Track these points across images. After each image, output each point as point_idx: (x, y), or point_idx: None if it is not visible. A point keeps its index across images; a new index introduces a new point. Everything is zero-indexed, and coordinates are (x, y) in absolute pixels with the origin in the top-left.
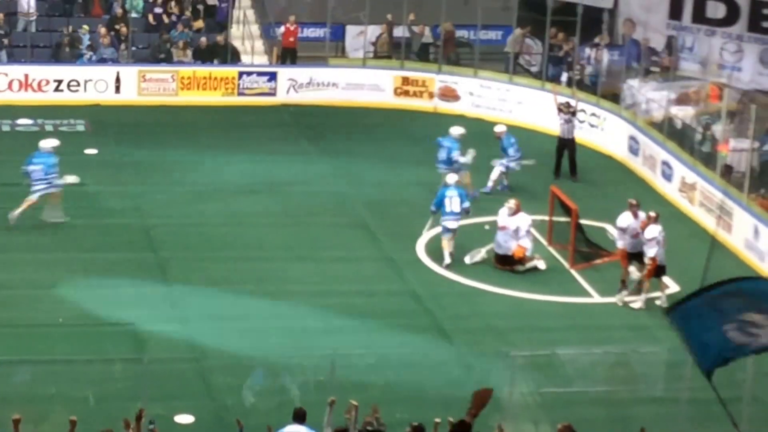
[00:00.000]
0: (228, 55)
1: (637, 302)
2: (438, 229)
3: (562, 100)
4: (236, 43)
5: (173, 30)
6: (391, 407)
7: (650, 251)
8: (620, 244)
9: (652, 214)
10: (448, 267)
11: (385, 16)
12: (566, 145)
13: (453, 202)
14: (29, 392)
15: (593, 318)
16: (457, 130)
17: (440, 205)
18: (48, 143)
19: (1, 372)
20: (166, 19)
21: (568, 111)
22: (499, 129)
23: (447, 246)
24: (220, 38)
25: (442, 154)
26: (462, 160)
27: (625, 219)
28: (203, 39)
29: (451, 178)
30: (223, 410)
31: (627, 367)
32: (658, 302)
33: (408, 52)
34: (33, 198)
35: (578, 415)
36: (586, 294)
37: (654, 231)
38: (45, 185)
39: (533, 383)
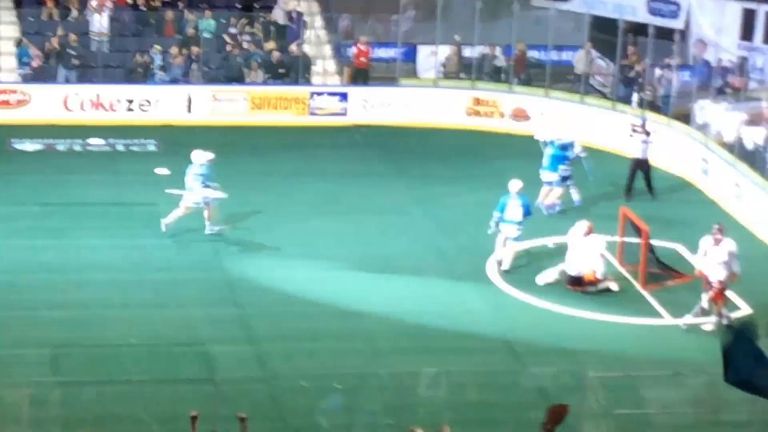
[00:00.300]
0: (300, 67)
1: (708, 324)
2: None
3: (637, 121)
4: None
5: (246, 50)
6: (462, 428)
7: (720, 273)
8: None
9: (719, 236)
10: (505, 272)
11: (455, 36)
12: (641, 165)
13: (513, 209)
14: (101, 412)
15: (665, 339)
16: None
17: (502, 210)
18: (202, 156)
19: (73, 392)
20: (238, 40)
21: (643, 131)
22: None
23: (505, 253)
24: (293, 48)
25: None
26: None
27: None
28: (276, 53)
29: (515, 185)
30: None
31: (701, 390)
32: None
33: (480, 73)
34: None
35: None
36: (658, 315)
37: (723, 253)
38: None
39: (606, 405)
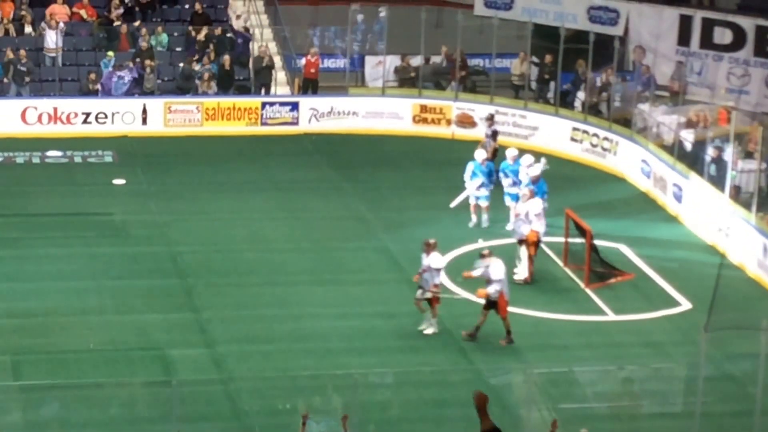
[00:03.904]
0: (264, 74)
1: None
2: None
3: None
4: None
5: (199, 63)
6: (412, 425)
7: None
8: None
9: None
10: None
11: (403, 46)
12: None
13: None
14: (62, 417)
15: (608, 336)
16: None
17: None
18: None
19: (35, 397)
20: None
21: (489, 124)
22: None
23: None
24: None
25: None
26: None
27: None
28: (227, 57)
29: (479, 154)
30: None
31: (642, 383)
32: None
33: (423, 80)
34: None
35: (595, 431)
36: (602, 312)
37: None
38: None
39: (550, 400)
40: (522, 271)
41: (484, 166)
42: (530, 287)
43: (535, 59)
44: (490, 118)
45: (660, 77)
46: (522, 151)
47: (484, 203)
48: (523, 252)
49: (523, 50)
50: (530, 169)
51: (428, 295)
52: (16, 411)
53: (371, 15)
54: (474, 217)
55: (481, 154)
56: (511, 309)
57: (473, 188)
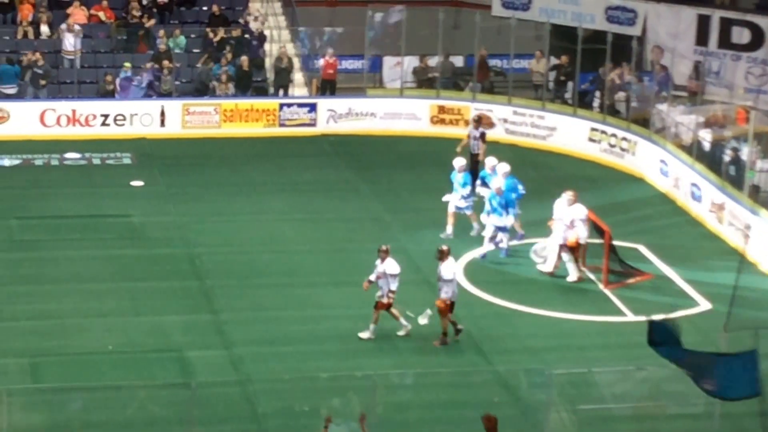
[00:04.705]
0: (282, 76)
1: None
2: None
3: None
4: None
5: (216, 65)
6: (431, 427)
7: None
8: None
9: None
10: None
11: (421, 47)
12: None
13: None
14: (81, 418)
15: (627, 336)
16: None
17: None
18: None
19: (53, 399)
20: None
21: (476, 126)
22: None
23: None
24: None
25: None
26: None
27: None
28: (245, 58)
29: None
30: None
31: (661, 384)
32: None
33: (441, 81)
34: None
35: None
36: (620, 313)
37: (449, 271)
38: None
39: (569, 401)
40: (572, 274)
41: (460, 177)
42: (549, 288)
43: (553, 60)
44: (477, 120)
45: (678, 77)
46: (541, 152)
47: (468, 212)
48: (564, 255)
49: (540, 50)
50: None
51: (384, 299)
52: (35, 413)
53: (387, 16)
54: (449, 228)
55: (459, 162)
56: (530, 310)
57: (455, 200)
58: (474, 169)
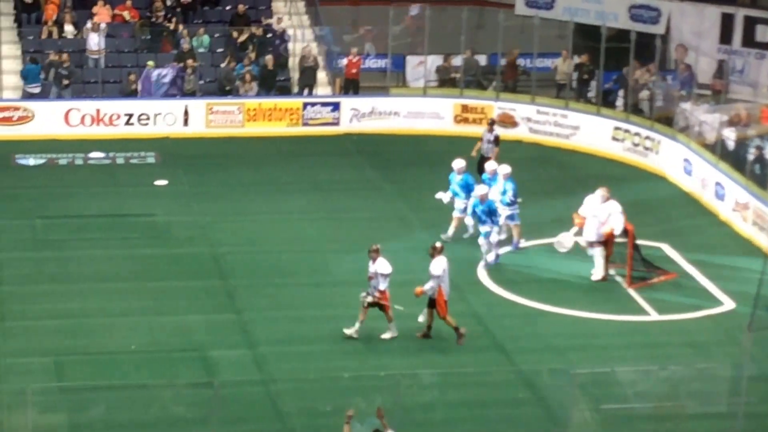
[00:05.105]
0: (308, 75)
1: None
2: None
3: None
4: (297, 75)
5: (239, 64)
6: (454, 426)
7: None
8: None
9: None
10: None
11: (444, 46)
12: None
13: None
14: (104, 418)
15: (651, 336)
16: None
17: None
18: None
19: (77, 399)
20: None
21: (490, 129)
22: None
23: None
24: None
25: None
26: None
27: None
28: (269, 57)
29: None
30: None
31: (685, 384)
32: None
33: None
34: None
35: (638, 431)
36: (644, 312)
37: (438, 267)
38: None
39: (592, 400)
40: (598, 271)
41: (459, 179)
42: (572, 287)
43: (576, 58)
44: (492, 123)
45: (702, 75)
46: (564, 151)
47: (457, 214)
48: (595, 252)
49: (565, 49)
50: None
51: (369, 299)
52: (59, 412)
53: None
54: (451, 230)
55: (458, 163)
56: (553, 309)
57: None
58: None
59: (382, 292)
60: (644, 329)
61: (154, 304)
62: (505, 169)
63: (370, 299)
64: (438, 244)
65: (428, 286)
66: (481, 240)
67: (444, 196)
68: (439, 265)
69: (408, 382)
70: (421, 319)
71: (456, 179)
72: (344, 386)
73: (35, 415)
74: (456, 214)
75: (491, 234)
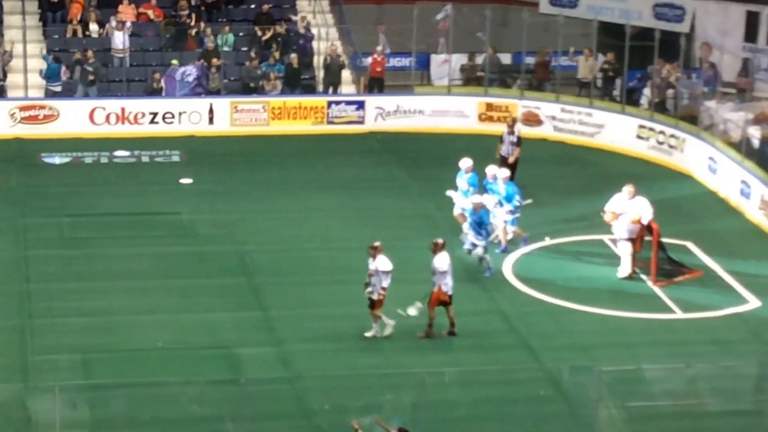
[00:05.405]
0: (334, 71)
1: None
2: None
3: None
4: (321, 74)
5: (264, 62)
6: (479, 424)
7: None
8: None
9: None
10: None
11: (468, 44)
12: (505, 163)
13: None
14: (131, 415)
15: (676, 333)
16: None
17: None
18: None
19: (103, 396)
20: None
21: (511, 130)
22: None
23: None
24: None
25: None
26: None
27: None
28: (294, 56)
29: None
30: (318, 430)
31: (711, 381)
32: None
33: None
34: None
35: (663, 429)
36: (669, 310)
37: (443, 263)
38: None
39: (618, 398)
40: (626, 268)
41: (467, 177)
42: (597, 285)
43: (601, 57)
44: (512, 124)
45: (726, 74)
46: (589, 149)
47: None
48: (624, 249)
49: (588, 47)
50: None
51: (375, 296)
52: (87, 408)
53: (436, 13)
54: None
55: (466, 162)
56: (578, 307)
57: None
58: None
59: (385, 290)
60: (669, 327)
61: (181, 301)
62: (504, 173)
63: (375, 296)
64: (440, 240)
65: (446, 285)
66: (467, 247)
67: (454, 195)
68: (443, 260)
69: (433, 379)
70: (413, 312)
71: (463, 178)
72: (370, 384)
73: (62, 412)
74: (457, 212)
75: (478, 248)
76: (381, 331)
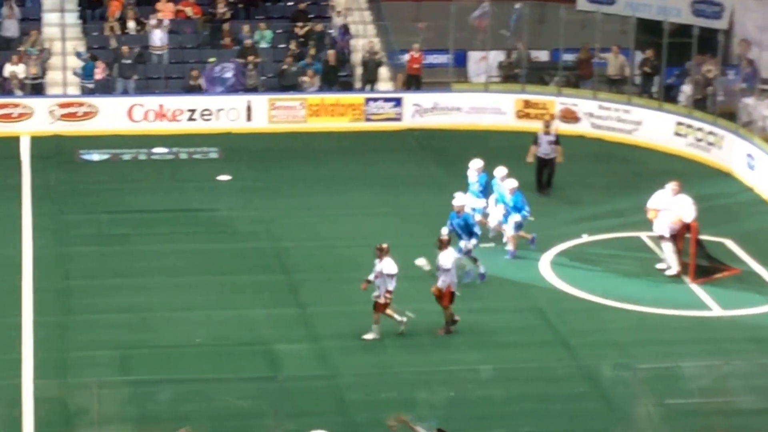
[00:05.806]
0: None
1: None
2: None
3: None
4: (359, 71)
5: (302, 60)
6: (516, 421)
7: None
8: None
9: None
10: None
11: (506, 41)
12: (546, 163)
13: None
14: (169, 411)
15: (714, 331)
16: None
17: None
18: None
19: (142, 391)
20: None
21: (547, 131)
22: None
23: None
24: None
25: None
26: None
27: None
28: (331, 53)
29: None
30: (355, 426)
31: (749, 379)
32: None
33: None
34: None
35: (701, 426)
36: (707, 307)
37: (448, 260)
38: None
39: (656, 395)
40: (673, 266)
41: (477, 176)
42: (635, 283)
43: (639, 54)
44: (547, 125)
45: (766, 71)
46: (627, 146)
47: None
48: (667, 248)
49: (625, 44)
50: (505, 182)
51: (381, 300)
52: (125, 404)
53: (471, 11)
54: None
55: (476, 163)
56: (616, 304)
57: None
58: (549, 175)
59: (390, 292)
60: (707, 324)
61: (218, 298)
62: (513, 183)
63: (382, 300)
64: (445, 237)
65: (443, 282)
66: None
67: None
68: (449, 257)
69: (470, 376)
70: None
71: (472, 177)
72: (407, 380)
73: (101, 407)
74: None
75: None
76: (398, 327)
